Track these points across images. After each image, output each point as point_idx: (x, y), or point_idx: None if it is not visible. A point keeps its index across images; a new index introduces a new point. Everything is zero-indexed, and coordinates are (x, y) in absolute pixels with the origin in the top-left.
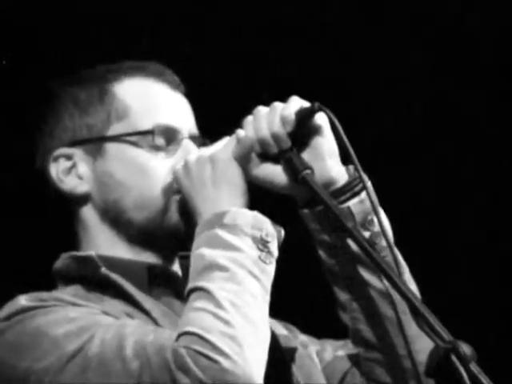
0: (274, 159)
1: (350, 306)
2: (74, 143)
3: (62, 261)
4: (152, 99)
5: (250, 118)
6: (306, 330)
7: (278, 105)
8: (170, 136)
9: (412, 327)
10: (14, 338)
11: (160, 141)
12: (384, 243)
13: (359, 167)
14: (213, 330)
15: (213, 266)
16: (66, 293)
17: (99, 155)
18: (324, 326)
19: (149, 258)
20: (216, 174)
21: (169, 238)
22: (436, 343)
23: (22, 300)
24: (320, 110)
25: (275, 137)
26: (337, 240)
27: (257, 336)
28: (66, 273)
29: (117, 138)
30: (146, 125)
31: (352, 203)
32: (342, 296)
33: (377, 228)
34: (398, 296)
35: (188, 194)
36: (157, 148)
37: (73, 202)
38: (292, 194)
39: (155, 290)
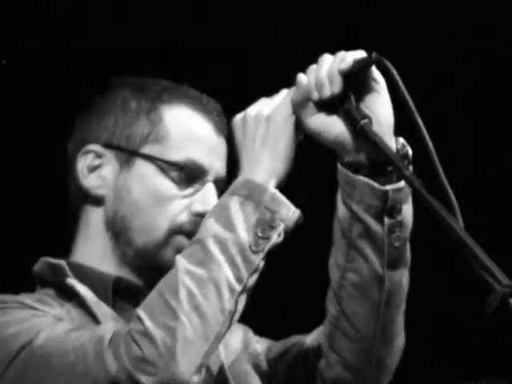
0: (331, 110)
1: (342, 273)
2: (108, 145)
3: (40, 265)
4: (193, 134)
5: (313, 66)
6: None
7: (342, 52)
8: (197, 174)
9: (385, 317)
10: None
11: (186, 176)
12: (402, 234)
13: (421, 124)
14: (156, 318)
15: (199, 242)
16: (32, 297)
17: (126, 167)
18: None
19: (130, 276)
20: (267, 134)
21: (158, 270)
22: (494, 287)
23: None
24: (377, 60)
25: (330, 77)
26: (362, 213)
27: (202, 330)
28: (41, 277)
29: (148, 158)
30: (179, 156)
31: (390, 188)
32: (340, 259)
33: (400, 217)
34: (388, 286)
35: (238, 146)
36: (181, 181)
37: (86, 200)
38: (340, 148)
39: (120, 303)
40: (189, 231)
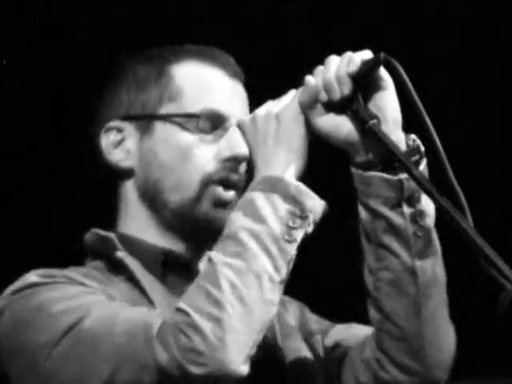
0: (340, 110)
1: (375, 274)
2: (126, 117)
3: (90, 236)
4: (206, 84)
5: (320, 67)
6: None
7: (348, 53)
8: (217, 122)
9: (426, 309)
10: (17, 313)
11: (206, 125)
12: (425, 223)
13: (429, 123)
14: (201, 309)
15: (231, 237)
16: (80, 271)
17: (147, 133)
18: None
19: (176, 245)
20: (279, 132)
21: (197, 227)
22: (505, 287)
23: (33, 276)
24: (386, 60)
25: (339, 79)
26: (382, 208)
27: (248, 319)
28: (91, 248)
29: (165, 118)
30: (195, 108)
31: (404, 177)
32: (371, 261)
33: (420, 206)
34: (423, 277)
35: (250, 148)
36: (202, 132)
37: (117, 175)
38: (350, 148)
39: (170, 277)
40: (221, 179)
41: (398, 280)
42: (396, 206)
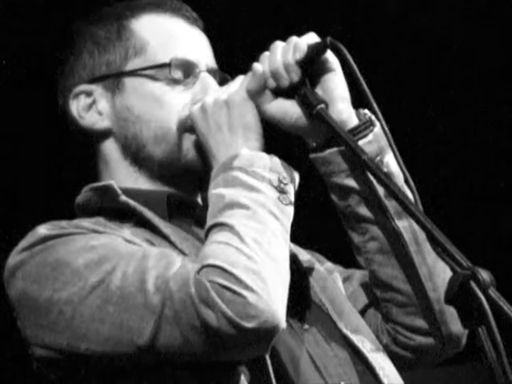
0: (288, 95)
1: (363, 247)
2: (93, 80)
3: (84, 194)
4: (169, 34)
5: (266, 53)
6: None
7: (293, 38)
8: (187, 69)
9: (425, 266)
10: (35, 269)
11: (177, 74)
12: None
13: (373, 101)
14: (237, 264)
15: (234, 205)
16: (89, 221)
17: (118, 91)
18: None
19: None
20: (232, 118)
21: (186, 174)
22: (455, 270)
23: (42, 229)
24: (332, 44)
25: (287, 67)
26: (347, 181)
27: (278, 273)
28: (87, 206)
29: (134, 73)
30: (163, 58)
31: (360, 144)
32: (356, 238)
33: (386, 169)
34: (409, 235)
35: (204, 137)
36: (174, 81)
37: (94, 139)
38: (301, 133)
39: (175, 218)
40: None
41: (385, 246)
42: (361, 176)
